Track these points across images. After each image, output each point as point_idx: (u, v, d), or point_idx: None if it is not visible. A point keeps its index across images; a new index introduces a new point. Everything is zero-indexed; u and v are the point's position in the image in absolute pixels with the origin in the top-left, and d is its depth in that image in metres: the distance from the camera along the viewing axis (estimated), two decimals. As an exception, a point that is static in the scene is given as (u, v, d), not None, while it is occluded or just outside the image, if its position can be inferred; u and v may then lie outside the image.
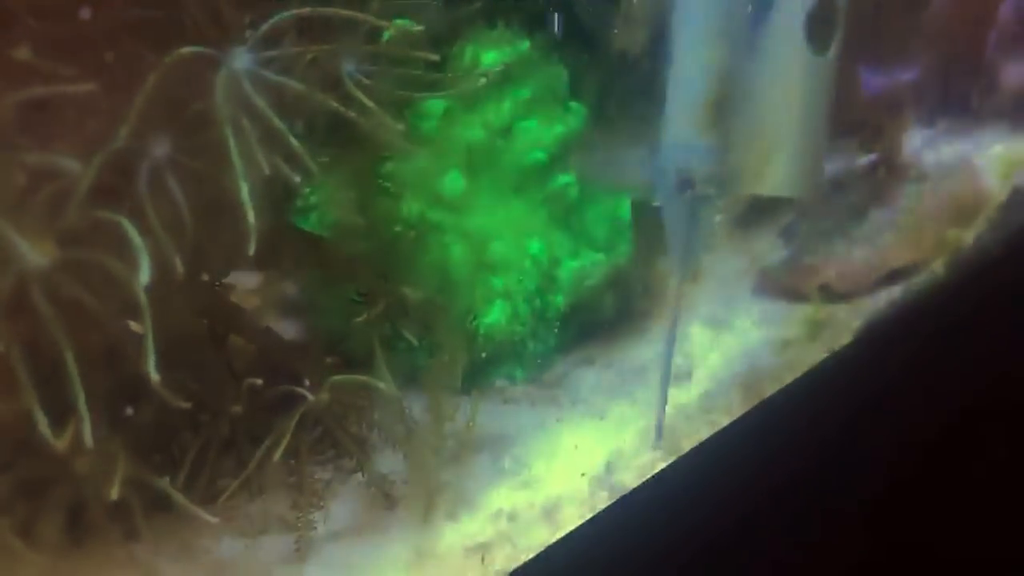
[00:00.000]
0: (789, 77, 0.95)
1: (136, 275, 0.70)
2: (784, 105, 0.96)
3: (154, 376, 0.73)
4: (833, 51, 0.96)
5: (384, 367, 1.00)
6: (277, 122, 0.79)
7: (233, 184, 0.77)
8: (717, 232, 1.03)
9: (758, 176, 0.97)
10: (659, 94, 0.98)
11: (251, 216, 0.77)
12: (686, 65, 0.96)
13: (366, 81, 0.91)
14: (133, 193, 0.74)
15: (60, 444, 0.70)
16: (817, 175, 1.01)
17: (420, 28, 0.98)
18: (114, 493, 0.75)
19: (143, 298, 0.71)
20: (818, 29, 0.95)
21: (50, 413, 0.71)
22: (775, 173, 0.97)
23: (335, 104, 0.87)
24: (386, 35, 0.99)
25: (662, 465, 0.97)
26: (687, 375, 1.12)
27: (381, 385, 0.98)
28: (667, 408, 1.02)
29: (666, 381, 1.01)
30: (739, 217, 1.36)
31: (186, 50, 0.76)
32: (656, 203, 1.03)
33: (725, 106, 0.95)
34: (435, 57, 1.02)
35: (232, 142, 0.76)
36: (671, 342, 1.01)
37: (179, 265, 0.73)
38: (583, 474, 1.00)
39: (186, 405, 0.79)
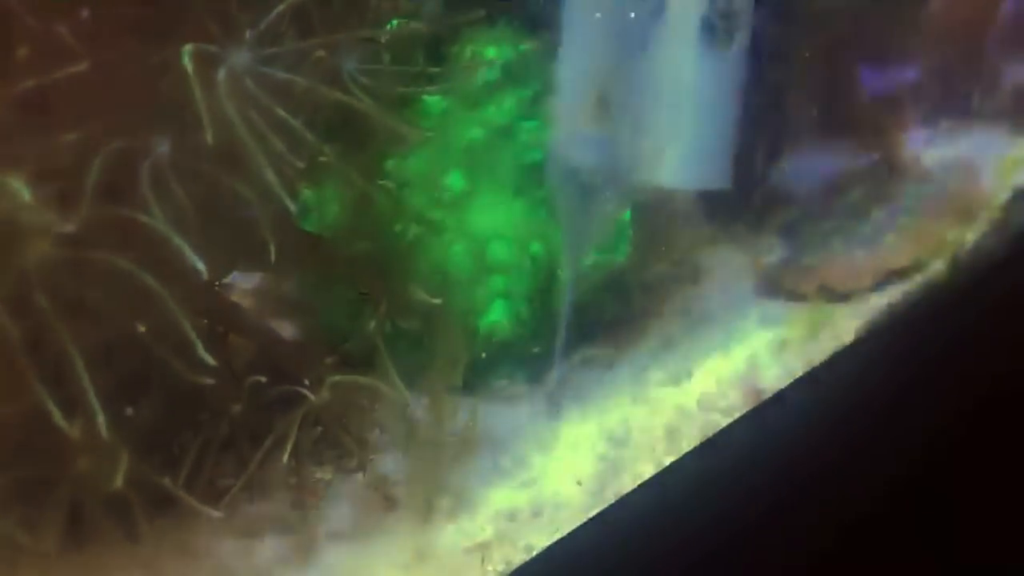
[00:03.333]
0: (680, 73, 0.98)
1: (144, 271, 0.70)
2: (677, 99, 0.98)
3: (209, 360, 0.74)
4: (736, 47, 0.98)
5: (391, 368, 1.00)
6: (286, 115, 0.79)
7: (233, 183, 0.77)
8: (608, 221, 1.08)
9: (654, 167, 1.00)
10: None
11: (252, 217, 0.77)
12: (571, 62, 1.00)
13: (365, 81, 0.91)
14: (135, 192, 0.74)
15: (74, 433, 0.70)
16: (721, 166, 1.02)
17: (420, 26, 0.98)
18: (118, 481, 0.75)
19: (161, 290, 0.71)
20: (721, 26, 0.96)
21: (48, 413, 0.71)
22: (670, 165, 0.99)
23: (339, 96, 0.87)
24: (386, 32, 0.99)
25: (664, 464, 0.97)
26: (687, 375, 1.12)
27: (384, 387, 0.98)
28: (667, 408, 1.03)
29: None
30: (739, 217, 1.36)
31: (187, 47, 0.76)
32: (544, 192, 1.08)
33: (611, 100, 0.98)
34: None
35: (233, 140, 0.76)
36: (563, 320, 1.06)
37: (199, 264, 0.74)
38: (583, 474, 1.00)
39: (210, 381, 0.79)
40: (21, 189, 0.68)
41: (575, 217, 1.03)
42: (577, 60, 1.00)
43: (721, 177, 1.03)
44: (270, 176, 0.80)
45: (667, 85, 0.98)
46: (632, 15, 0.97)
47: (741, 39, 0.98)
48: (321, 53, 0.88)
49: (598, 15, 0.97)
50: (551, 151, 1.03)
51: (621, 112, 0.98)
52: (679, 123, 0.99)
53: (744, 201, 1.32)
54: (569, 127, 1.01)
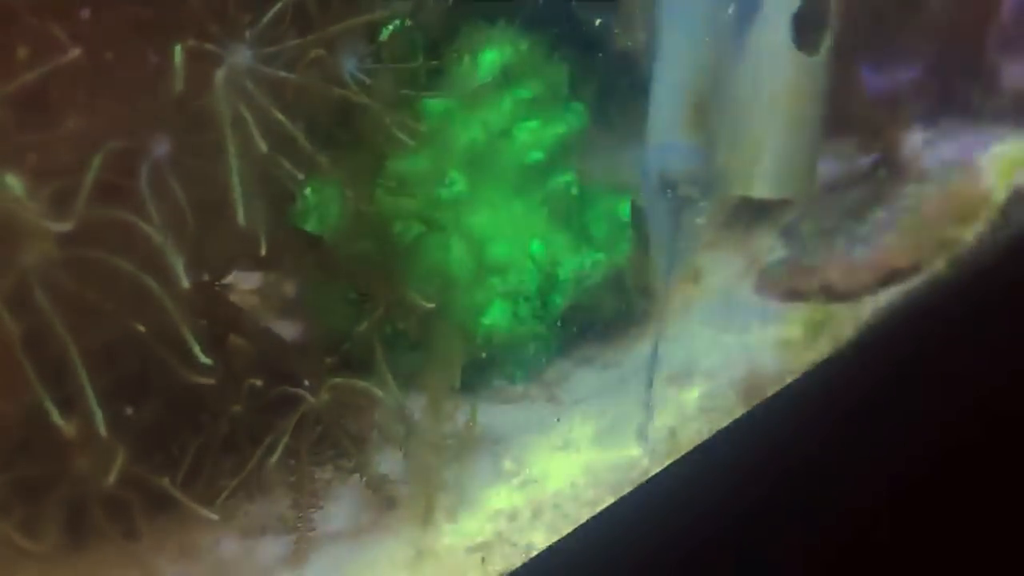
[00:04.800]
0: (775, 78, 0.95)
1: (144, 271, 0.70)
2: (770, 106, 0.95)
3: (205, 360, 0.74)
4: (823, 51, 0.96)
5: (385, 370, 1.00)
6: (281, 118, 0.79)
7: (233, 183, 0.77)
8: (700, 235, 1.02)
9: (745, 178, 0.97)
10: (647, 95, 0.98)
11: (241, 216, 0.77)
12: (670, 65, 0.96)
13: (367, 80, 0.91)
14: (134, 191, 0.74)
15: (70, 431, 0.70)
16: (809, 176, 1.00)
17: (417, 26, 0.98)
18: (112, 477, 0.75)
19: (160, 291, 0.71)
20: (807, 29, 0.95)
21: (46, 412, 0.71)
22: (762, 175, 0.96)
23: (338, 93, 0.87)
24: (385, 32, 0.99)
25: (664, 464, 0.97)
26: (687, 375, 1.12)
27: (380, 393, 0.99)
28: (667, 408, 1.02)
29: (651, 386, 1.01)
30: (739, 217, 1.36)
31: (187, 45, 0.76)
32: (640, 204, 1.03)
33: (709, 107, 0.94)
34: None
35: (231, 140, 0.76)
36: (656, 350, 1.02)
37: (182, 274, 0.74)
38: (583, 474, 1.00)
39: (210, 381, 0.79)
40: (19, 188, 0.68)
41: (668, 229, 0.99)
42: (675, 66, 0.95)
43: (810, 187, 1.00)
44: (271, 175, 0.80)
45: (761, 91, 0.94)
46: (729, 11, 0.93)
47: (828, 41, 0.96)
48: (320, 52, 0.88)
49: (696, 18, 0.93)
50: (645, 160, 0.98)
51: (719, 120, 0.94)
52: (773, 130, 0.95)
53: (744, 200, 1.32)
54: (667, 135, 0.96)
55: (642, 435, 1.00)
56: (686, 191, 0.96)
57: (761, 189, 0.97)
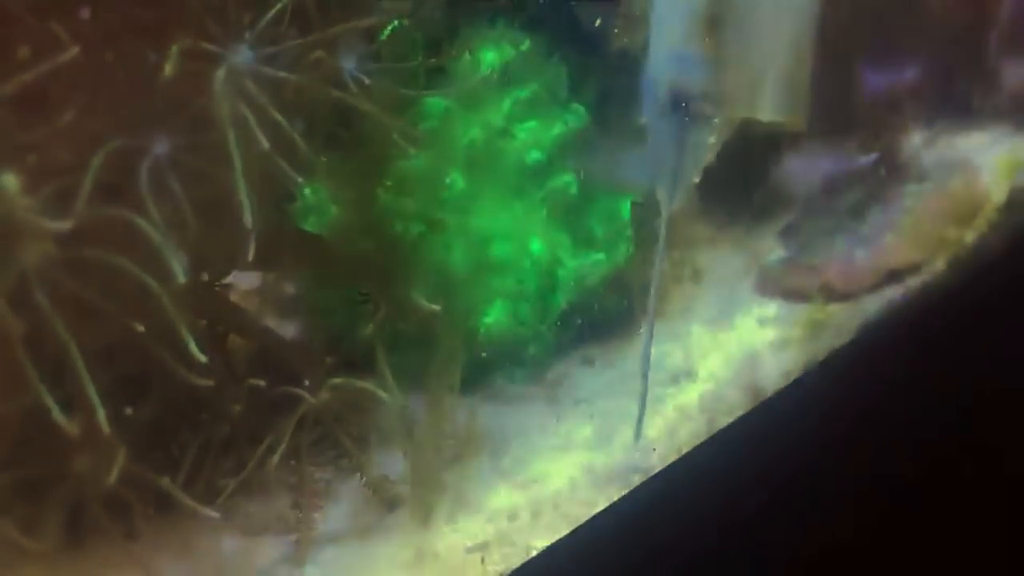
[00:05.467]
0: (782, 4, 0.92)
1: (146, 271, 0.70)
2: (776, 28, 0.91)
3: (201, 357, 0.73)
4: None
5: (386, 370, 1.00)
6: (280, 118, 0.79)
7: (232, 183, 0.77)
8: (707, 154, 0.97)
9: (749, 99, 0.92)
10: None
11: (248, 218, 0.77)
12: None
13: (366, 81, 0.91)
14: (134, 191, 0.74)
15: (72, 429, 0.70)
16: (804, 103, 0.96)
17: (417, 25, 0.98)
18: (113, 476, 0.75)
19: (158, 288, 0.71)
20: None
21: (48, 412, 0.71)
22: (766, 97, 0.92)
23: (338, 95, 0.87)
24: (384, 33, 0.99)
25: (664, 464, 0.97)
26: (687, 375, 1.12)
27: (382, 393, 0.98)
28: (667, 408, 1.02)
29: (646, 380, 0.98)
30: (739, 217, 1.36)
31: (187, 45, 0.76)
32: (643, 119, 0.96)
33: (719, 20, 0.90)
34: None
35: (232, 140, 0.76)
36: (651, 327, 0.98)
37: (180, 270, 0.73)
38: (583, 474, 1.00)
39: (207, 382, 0.79)
40: (16, 187, 0.68)
41: (676, 149, 0.92)
42: None
43: (804, 115, 0.95)
44: (271, 175, 0.80)
45: (766, 11, 0.90)
46: None
47: None
48: (320, 53, 0.88)
49: None
50: (649, 71, 0.91)
51: (729, 34, 0.89)
52: (777, 53, 0.90)
53: (744, 201, 1.32)
54: (675, 45, 0.90)
55: (637, 433, 0.99)
56: (699, 106, 0.91)
57: (764, 111, 0.93)
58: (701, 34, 0.90)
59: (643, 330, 0.98)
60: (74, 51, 0.69)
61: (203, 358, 0.75)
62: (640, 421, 0.99)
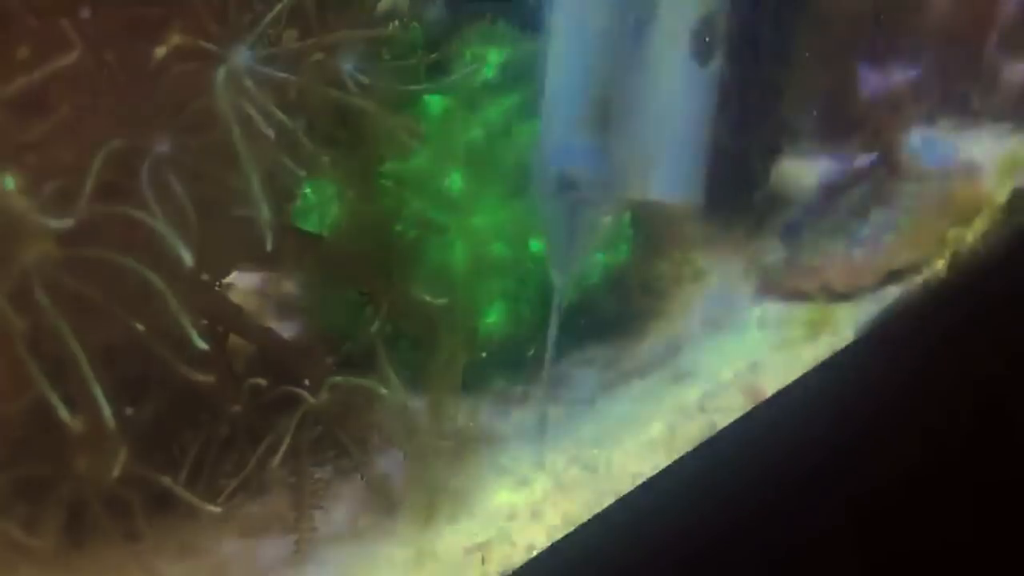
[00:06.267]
0: (672, 86, 0.95)
1: (148, 267, 0.70)
2: (667, 113, 0.96)
3: (202, 345, 0.74)
4: (714, 64, 0.96)
5: (388, 369, 1.00)
6: (282, 116, 0.79)
7: (234, 182, 0.77)
8: (600, 233, 1.02)
9: (642, 180, 0.97)
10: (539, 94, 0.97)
11: (265, 211, 0.77)
12: (568, 64, 0.95)
13: (365, 81, 0.91)
14: (134, 191, 0.74)
15: (77, 426, 0.70)
16: (699, 182, 1.01)
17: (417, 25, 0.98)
18: (116, 473, 0.75)
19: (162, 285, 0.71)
20: (701, 43, 0.95)
21: (49, 412, 0.71)
22: (657, 178, 0.97)
23: (337, 95, 0.87)
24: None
25: (664, 464, 0.97)
26: (687, 375, 1.12)
27: (383, 390, 0.98)
28: (667, 408, 1.02)
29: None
30: (739, 218, 1.36)
31: (186, 44, 0.76)
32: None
33: (607, 109, 0.94)
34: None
35: (235, 139, 0.76)
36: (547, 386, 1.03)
37: (187, 255, 0.73)
38: (583, 474, 1.00)
39: (208, 378, 0.79)
40: (15, 186, 0.68)
41: (566, 230, 0.98)
42: (574, 64, 0.95)
43: (700, 192, 1.00)
44: (269, 176, 0.80)
45: (656, 96, 0.95)
46: (629, 19, 0.94)
47: (719, 57, 0.97)
48: (319, 55, 0.88)
49: (592, 17, 0.94)
50: (540, 160, 0.97)
51: (618, 121, 0.94)
52: (668, 137, 0.95)
53: (744, 201, 1.32)
54: (564, 135, 0.95)
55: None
56: (587, 191, 0.95)
57: (656, 192, 0.98)
58: (590, 119, 0.94)
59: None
60: (74, 55, 0.69)
61: (204, 345, 0.75)
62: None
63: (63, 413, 0.69)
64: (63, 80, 0.72)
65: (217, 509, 0.86)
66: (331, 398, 0.97)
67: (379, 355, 1.01)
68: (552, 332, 1.01)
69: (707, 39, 0.94)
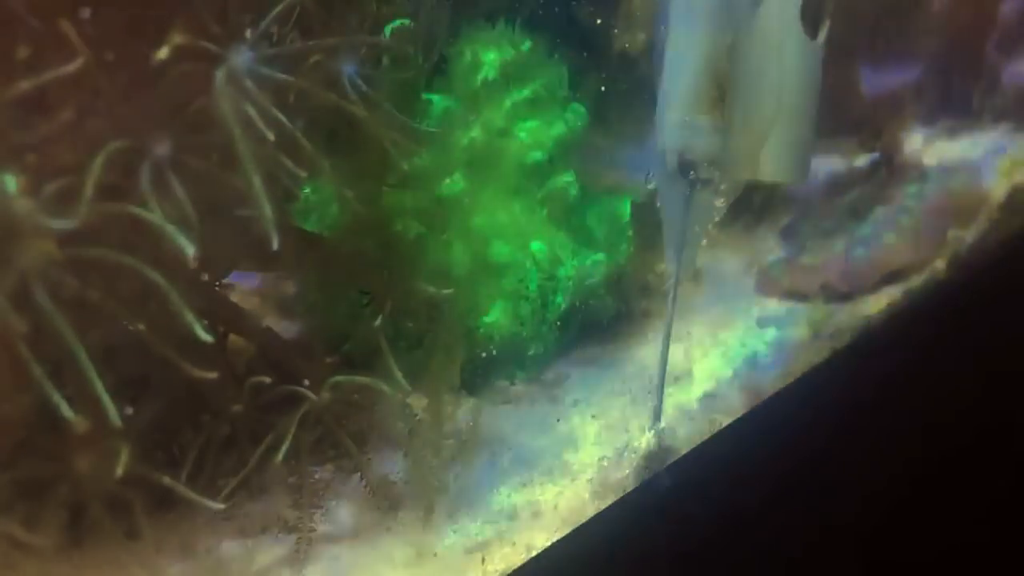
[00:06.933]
0: (786, 60, 0.93)
1: (149, 264, 0.71)
2: (781, 89, 0.93)
3: (207, 337, 0.74)
4: (822, 36, 0.94)
5: (392, 363, 1.00)
6: (281, 118, 0.79)
7: (234, 182, 0.77)
8: (716, 216, 0.98)
9: (751, 161, 0.94)
10: (657, 77, 0.95)
11: (268, 210, 0.77)
12: (689, 40, 0.93)
13: (365, 87, 0.91)
14: (135, 191, 0.74)
15: (81, 425, 0.70)
16: (807, 161, 0.99)
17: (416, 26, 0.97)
18: (120, 471, 0.75)
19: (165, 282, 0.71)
20: (809, 15, 0.93)
21: (49, 412, 0.71)
22: (770, 158, 0.94)
23: (336, 98, 0.87)
24: (387, 30, 0.99)
25: (664, 464, 0.97)
26: (687, 375, 1.12)
27: (384, 387, 0.99)
28: (667, 408, 1.02)
29: (664, 367, 0.99)
30: (739, 217, 1.36)
31: (186, 45, 0.76)
32: (651, 186, 0.99)
33: (726, 86, 0.92)
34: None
35: (236, 139, 0.76)
36: (668, 336, 0.99)
37: (190, 246, 0.73)
38: (583, 474, 1.00)
39: (212, 375, 0.79)
40: (20, 188, 0.68)
41: (684, 214, 0.94)
42: (695, 43, 0.92)
43: (807, 172, 0.98)
44: (269, 176, 0.80)
45: (771, 73, 0.92)
46: None
47: (825, 29, 0.93)
48: (319, 57, 0.88)
49: None
50: (661, 140, 0.94)
51: (735, 99, 0.91)
52: (780, 115, 0.92)
53: (744, 201, 1.32)
54: (686, 114, 0.92)
55: (657, 417, 0.99)
56: (706, 172, 0.93)
57: (767, 172, 0.95)
58: (710, 100, 0.92)
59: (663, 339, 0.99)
60: (79, 62, 0.69)
61: (209, 338, 0.74)
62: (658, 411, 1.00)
63: (67, 412, 0.69)
64: (64, 81, 0.72)
65: (220, 505, 0.86)
66: (332, 397, 0.97)
67: (383, 353, 1.01)
68: (670, 312, 0.98)
69: (818, 10, 0.92)
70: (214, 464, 0.98)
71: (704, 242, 1.01)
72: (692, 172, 0.94)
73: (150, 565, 0.87)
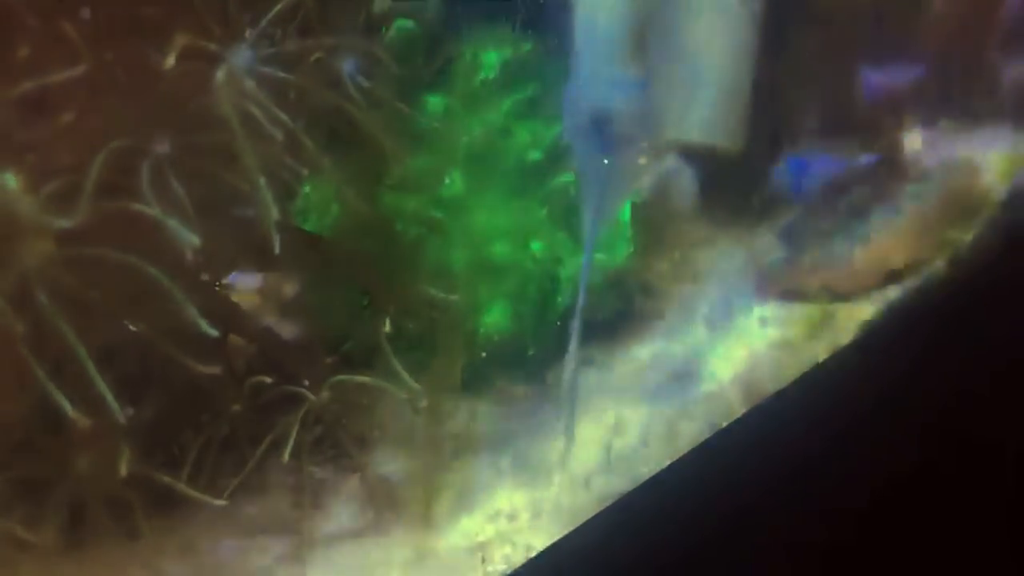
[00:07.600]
0: (716, 21, 0.90)
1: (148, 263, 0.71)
2: (711, 49, 0.90)
3: (212, 332, 0.73)
4: (753, 3, 0.91)
5: (395, 361, 1.00)
6: (283, 117, 0.79)
7: (234, 182, 0.77)
8: (638, 175, 0.94)
9: (680, 121, 0.91)
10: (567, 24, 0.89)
11: (272, 211, 0.77)
12: None
13: (366, 84, 0.91)
14: (136, 191, 0.74)
15: (84, 423, 0.70)
16: (739, 127, 0.95)
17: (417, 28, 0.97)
18: (123, 470, 0.75)
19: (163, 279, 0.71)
20: None
21: (49, 412, 0.71)
22: (697, 119, 0.91)
23: (337, 99, 0.87)
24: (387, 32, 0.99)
25: (664, 464, 0.97)
26: (687, 375, 1.12)
27: (389, 385, 0.99)
28: (667, 408, 1.02)
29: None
30: (739, 216, 1.36)
31: (187, 45, 0.76)
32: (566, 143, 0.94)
33: (646, 40, 0.87)
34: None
35: (238, 140, 0.76)
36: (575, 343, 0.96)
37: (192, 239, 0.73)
38: (583, 474, 1.00)
39: (215, 370, 0.79)
40: (21, 187, 0.68)
41: (601, 172, 0.89)
42: None
43: (740, 137, 0.94)
44: (270, 176, 0.80)
45: (694, 31, 0.88)
46: None
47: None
48: (320, 55, 0.88)
49: None
50: (572, 92, 0.90)
51: (655, 55, 0.86)
52: (711, 77, 0.88)
53: (744, 201, 1.32)
54: (600, 66, 0.88)
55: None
56: (624, 128, 0.89)
57: (695, 133, 0.92)
58: (626, 54, 0.87)
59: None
60: (81, 68, 0.70)
61: (214, 332, 0.75)
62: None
63: (71, 411, 0.69)
64: (64, 80, 0.72)
65: (223, 502, 0.86)
66: (332, 397, 0.97)
67: (386, 352, 1.01)
68: (581, 296, 0.93)
69: None
70: (214, 464, 0.98)
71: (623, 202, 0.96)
72: (607, 128, 0.89)
73: (150, 565, 0.87)
